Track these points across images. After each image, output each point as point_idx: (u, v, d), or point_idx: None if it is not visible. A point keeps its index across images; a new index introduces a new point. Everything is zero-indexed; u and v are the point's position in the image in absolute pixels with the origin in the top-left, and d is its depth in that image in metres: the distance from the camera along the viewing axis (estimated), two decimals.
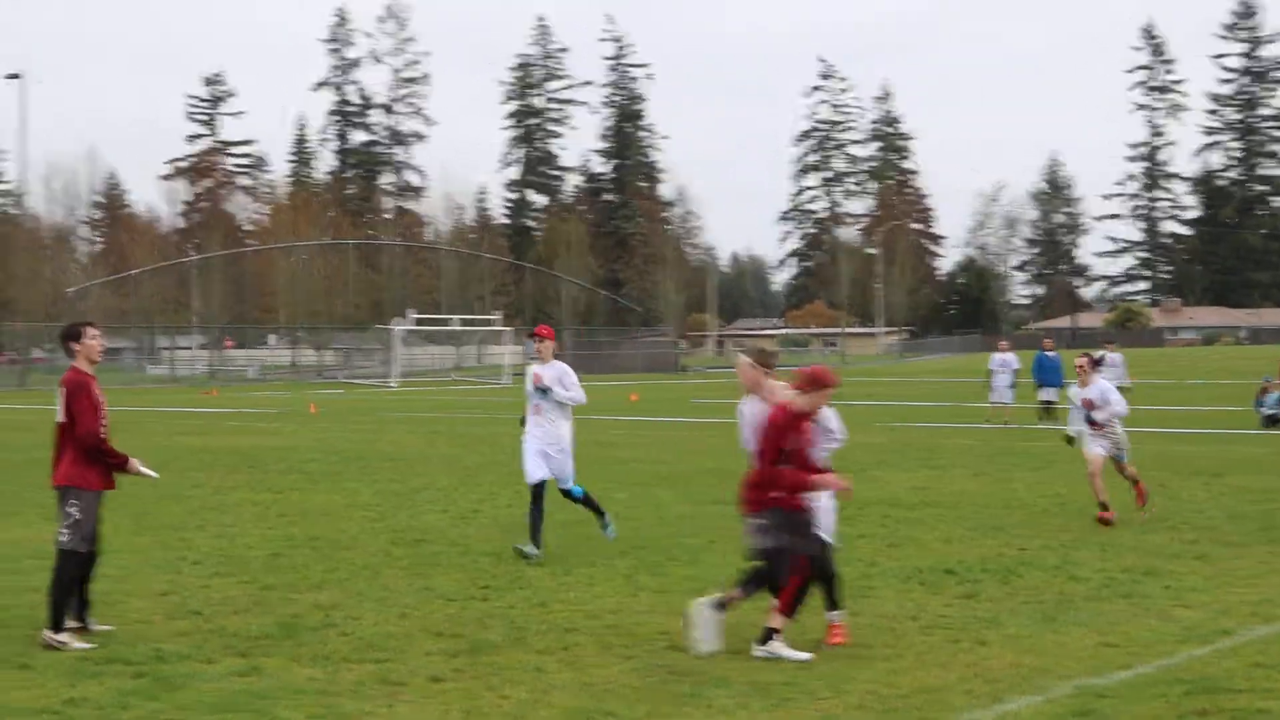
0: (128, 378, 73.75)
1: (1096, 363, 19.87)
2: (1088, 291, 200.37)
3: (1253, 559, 15.53)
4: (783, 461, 11.10)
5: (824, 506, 11.63)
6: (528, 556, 15.60)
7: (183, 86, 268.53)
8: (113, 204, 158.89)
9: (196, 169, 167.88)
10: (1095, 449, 19.10)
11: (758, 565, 11.20)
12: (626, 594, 13.71)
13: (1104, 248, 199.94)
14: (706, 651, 10.91)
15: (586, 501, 16.97)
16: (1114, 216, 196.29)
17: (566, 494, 16.83)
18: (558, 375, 16.56)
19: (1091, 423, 19.20)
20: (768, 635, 10.91)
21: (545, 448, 16.46)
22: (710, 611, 11.07)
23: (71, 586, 11.66)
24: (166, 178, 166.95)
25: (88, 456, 11.68)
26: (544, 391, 16.48)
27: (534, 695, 9.74)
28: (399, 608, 12.99)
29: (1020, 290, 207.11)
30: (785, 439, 11.11)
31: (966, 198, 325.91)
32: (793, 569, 10.95)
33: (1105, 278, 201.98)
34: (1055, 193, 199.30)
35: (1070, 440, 20.10)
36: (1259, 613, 12.54)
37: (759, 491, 11.14)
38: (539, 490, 16.29)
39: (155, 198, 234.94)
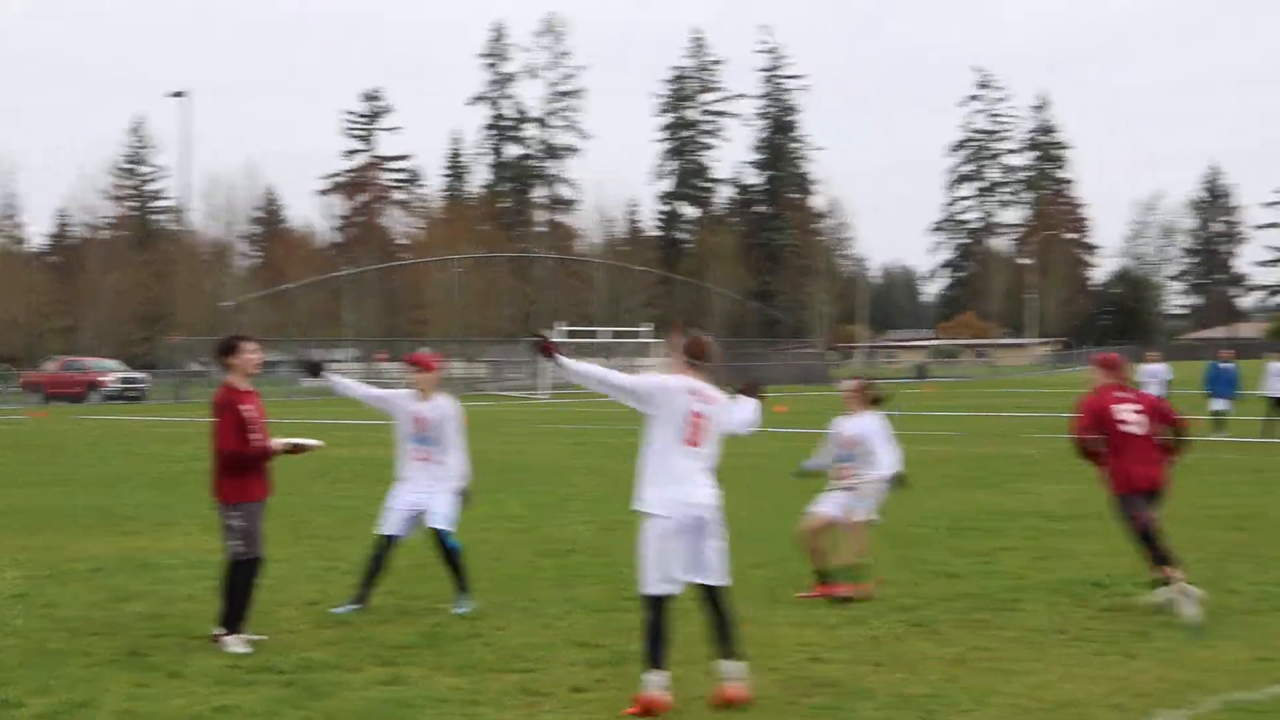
0: (283, 390, 74.82)
1: (867, 390, 14.81)
2: (1245, 301, 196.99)
3: None
4: None
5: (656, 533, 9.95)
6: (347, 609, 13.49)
7: (341, 102, 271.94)
8: (270, 219, 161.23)
9: (352, 184, 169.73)
10: (825, 505, 14.61)
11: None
12: (767, 606, 13.67)
13: (1263, 256, 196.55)
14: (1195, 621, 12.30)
15: (455, 558, 13.64)
16: (1274, 225, 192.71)
17: (441, 539, 13.57)
18: (442, 416, 13.66)
19: (845, 470, 14.60)
20: None
21: (422, 493, 13.62)
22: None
23: (249, 593, 11.91)
24: (323, 193, 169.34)
25: (238, 469, 11.91)
26: (429, 441, 13.60)
27: (675, 706, 9.75)
28: (544, 618, 13.07)
29: (1176, 300, 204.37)
30: None
31: (1123, 207, 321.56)
32: None
33: (1264, 287, 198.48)
34: (1214, 201, 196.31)
35: (802, 475, 15.75)
36: None
37: None
38: (389, 543, 13.69)
39: (311, 212, 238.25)
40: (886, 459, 14.21)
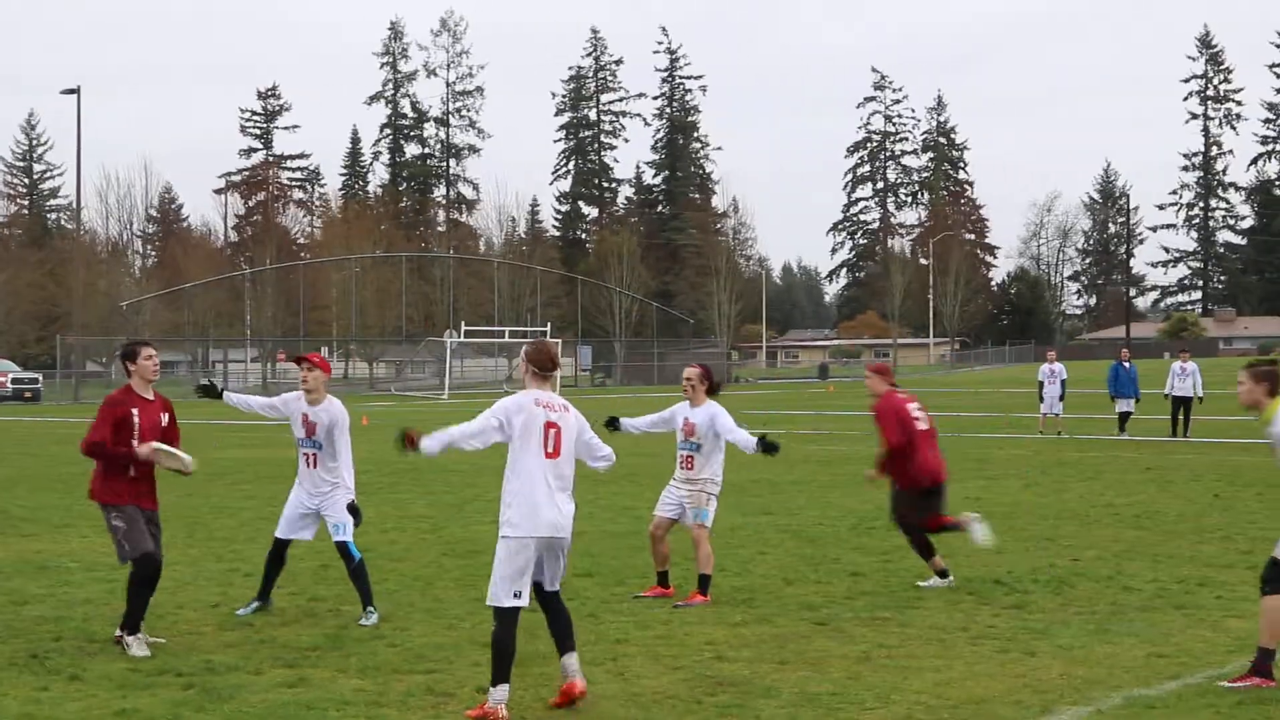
0: (181, 390, 74.02)
1: (709, 377, 14.34)
2: (1141, 301, 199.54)
3: None
4: None
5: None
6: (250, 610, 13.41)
7: (237, 100, 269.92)
8: (167, 217, 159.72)
9: (250, 183, 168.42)
10: (667, 507, 14.50)
11: None
12: (670, 605, 13.68)
13: (1158, 257, 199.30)
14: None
15: (358, 573, 13.11)
16: (1168, 226, 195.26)
17: (343, 550, 13.15)
18: (330, 420, 13.18)
19: (688, 460, 14.21)
20: None
21: (314, 502, 13.29)
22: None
23: (145, 591, 11.75)
24: (220, 191, 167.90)
25: (108, 469, 11.75)
26: (317, 444, 13.18)
27: (582, 705, 9.73)
28: (448, 619, 13.02)
29: (1073, 300, 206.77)
30: None
31: (1020, 208, 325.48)
32: None
33: (1159, 288, 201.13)
34: (1109, 202, 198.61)
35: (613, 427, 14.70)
36: None
37: None
38: (284, 545, 13.55)
39: (209, 211, 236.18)
40: (742, 435, 13.86)
